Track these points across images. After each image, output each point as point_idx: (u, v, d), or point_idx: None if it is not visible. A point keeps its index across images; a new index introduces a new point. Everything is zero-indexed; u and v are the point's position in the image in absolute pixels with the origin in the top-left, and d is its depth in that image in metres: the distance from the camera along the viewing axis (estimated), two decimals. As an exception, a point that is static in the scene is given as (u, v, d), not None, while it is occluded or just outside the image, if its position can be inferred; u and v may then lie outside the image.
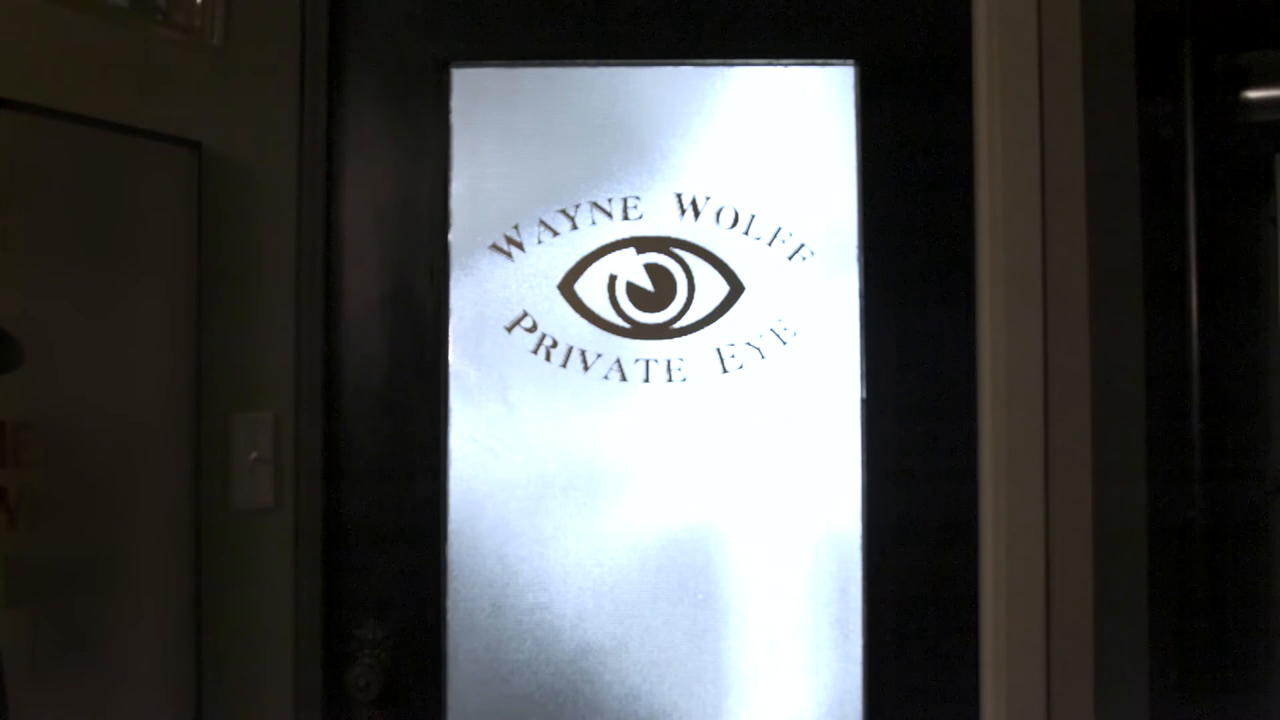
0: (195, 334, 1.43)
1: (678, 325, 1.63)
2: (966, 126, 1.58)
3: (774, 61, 1.64)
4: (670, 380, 1.62)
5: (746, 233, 1.63)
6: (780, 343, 1.62)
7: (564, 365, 1.62)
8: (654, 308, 1.63)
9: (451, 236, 1.63)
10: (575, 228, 1.63)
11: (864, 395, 1.60)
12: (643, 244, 1.63)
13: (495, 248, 1.63)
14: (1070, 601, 1.50)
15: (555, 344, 1.62)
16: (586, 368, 1.62)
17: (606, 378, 1.62)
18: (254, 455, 1.51)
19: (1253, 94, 1.77)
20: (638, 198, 1.63)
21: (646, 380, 1.62)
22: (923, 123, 1.61)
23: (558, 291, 1.63)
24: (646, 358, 1.62)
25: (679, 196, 1.63)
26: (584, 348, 1.63)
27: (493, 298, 1.63)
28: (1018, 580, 1.51)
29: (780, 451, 1.61)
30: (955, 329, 1.57)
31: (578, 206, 1.63)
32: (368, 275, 1.62)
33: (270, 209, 1.53)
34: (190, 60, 1.46)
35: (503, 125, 1.63)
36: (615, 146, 1.64)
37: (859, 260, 1.62)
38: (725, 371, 1.62)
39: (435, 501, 1.60)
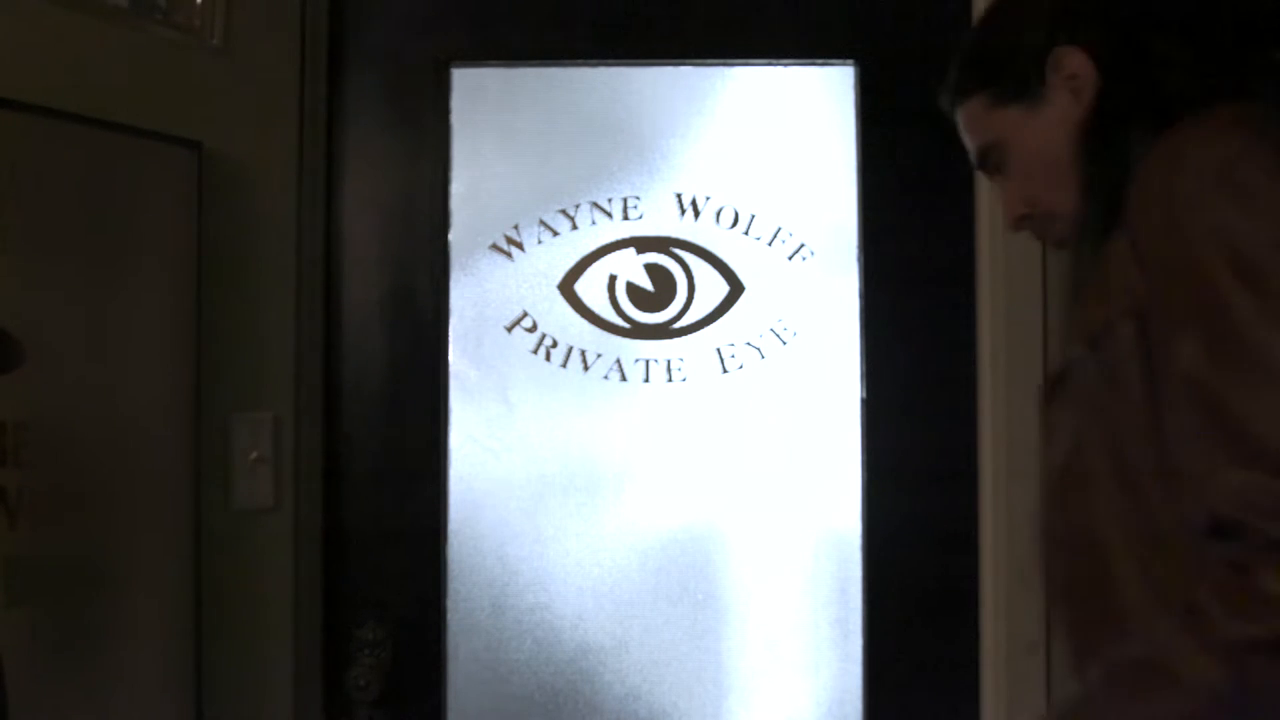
0: (195, 334, 1.43)
1: (678, 325, 1.63)
2: (966, 126, 1.57)
3: (774, 61, 1.64)
4: (670, 380, 1.62)
5: (746, 233, 1.63)
6: (780, 343, 1.62)
7: (564, 365, 1.62)
8: (654, 308, 1.63)
9: (451, 236, 1.63)
10: (575, 228, 1.63)
11: (864, 395, 1.60)
12: (643, 244, 1.63)
13: (495, 248, 1.63)
14: (1070, 601, 1.50)
15: (555, 344, 1.62)
16: (586, 368, 1.62)
17: (606, 378, 1.62)
18: (254, 455, 1.51)
19: (1253, 94, 1.77)
20: (638, 198, 1.63)
21: (646, 380, 1.62)
22: (923, 123, 1.61)
23: (558, 291, 1.63)
24: (646, 358, 1.62)
25: (679, 196, 1.63)
26: (584, 348, 1.63)
27: (493, 298, 1.63)
28: (1018, 580, 1.51)
29: (780, 452, 1.61)
30: (955, 329, 1.57)
31: (578, 206, 1.63)
32: (368, 275, 1.62)
33: (270, 209, 1.53)
34: (190, 60, 1.46)
35: (503, 125, 1.63)
36: (615, 146, 1.64)
37: (859, 260, 1.62)
38: (725, 371, 1.62)
39: (435, 501, 1.60)
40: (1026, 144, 0.93)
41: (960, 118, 1.00)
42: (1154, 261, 0.77)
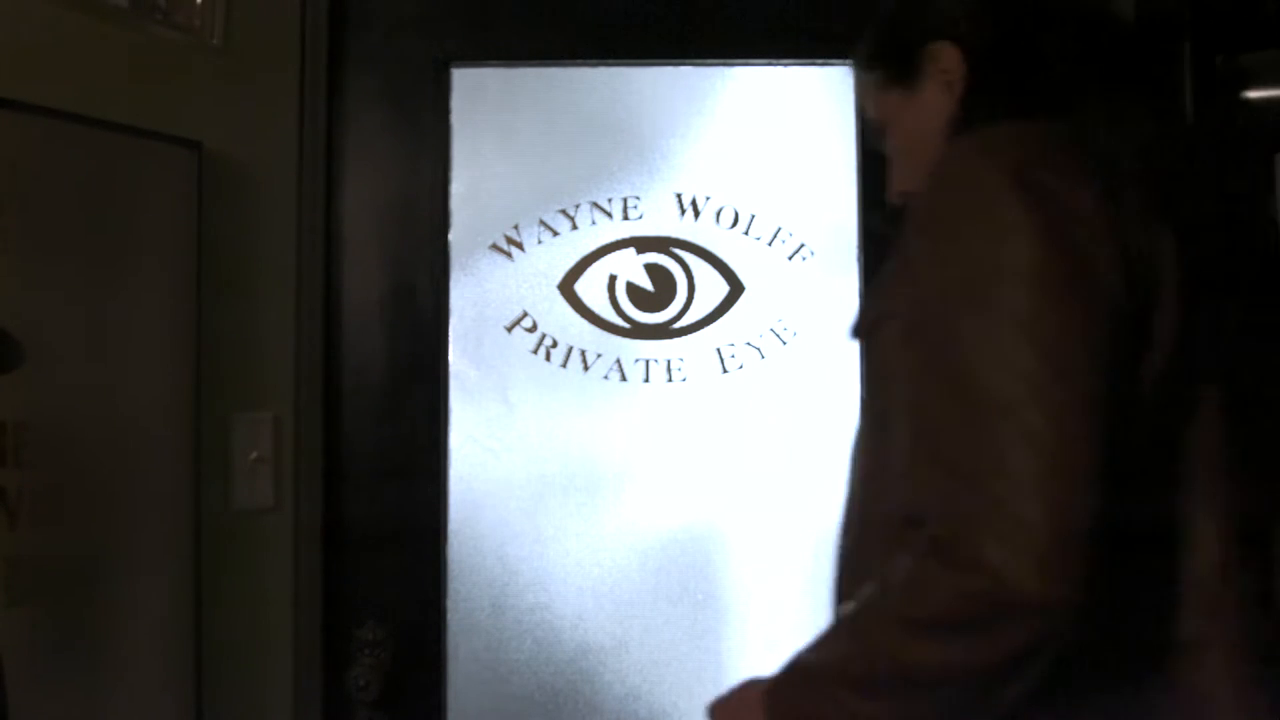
0: (195, 334, 1.43)
1: (678, 325, 1.63)
2: (966, 126, 1.57)
3: (774, 61, 1.64)
4: (670, 380, 1.62)
5: (746, 233, 1.63)
6: (780, 343, 1.62)
7: (564, 365, 1.62)
8: (654, 308, 1.63)
9: (451, 236, 1.63)
10: (575, 228, 1.63)
11: (864, 395, 1.60)
12: (643, 244, 1.63)
13: (495, 248, 1.63)
14: (1070, 601, 1.50)
15: (555, 344, 1.62)
16: (586, 368, 1.62)
17: (606, 378, 1.62)
18: (254, 455, 1.51)
19: (1253, 94, 1.77)
20: (638, 198, 1.63)
21: (646, 380, 1.62)
22: (923, 123, 1.61)
23: (558, 291, 1.63)
24: (646, 358, 1.62)
25: (679, 196, 1.63)
26: (584, 348, 1.63)
27: (493, 298, 1.63)
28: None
29: (780, 451, 1.61)
30: (955, 329, 1.57)
31: (578, 206, 1.63)
32: (368, 275, 1.62)
33: (270, 209, 1.53)
34: (190, 60, 1.46)
35: (503, 125, 1.63)
36: (615, 146, 1.63)
37: (859, 260, 1.62)
38: (725, 371, 1.62)
39: (435, 501, 1.60)
40: (904, 126, 0.98)
41: (860, 89, 1.04)
42: (914, 271, 0.82)
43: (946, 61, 0.92)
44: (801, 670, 0.85)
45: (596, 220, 1.63)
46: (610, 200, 1.63)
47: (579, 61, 1.64)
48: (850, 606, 0.81)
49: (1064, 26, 0.90)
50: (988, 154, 0.79)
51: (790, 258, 1.63)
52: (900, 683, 0.75)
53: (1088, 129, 0.83)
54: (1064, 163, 0.79)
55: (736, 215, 1.63)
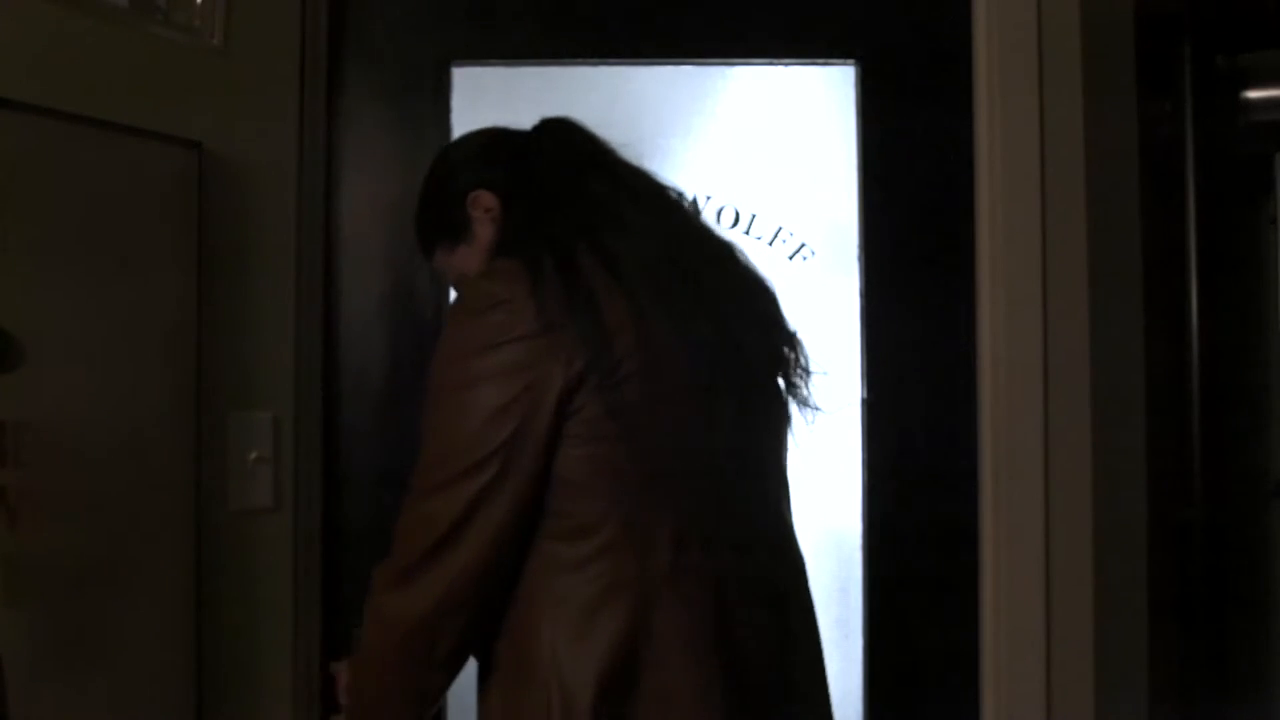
0: (195, 334, 1.43)
1: (678, 325, 1.62)
2: (966, 126, 1.58)
3: (774, 61, 1.64)
4: (670, 380, 1.62)
5: (747, 232, 1.63)
6: (780, 343, 1.62)
7: (564, 365, 1.62)
8: (654, 308, 1.62)
9: (451, 236, 1.62)
10: (575, 228, 1.63)
11: (864, 395, 1.60)
12: (643, 244, 1.63)
13: (495, 248, 1.63)
14: (1070, 601, 1.50)
15: (555, 344, 1.62)
16: (586, 368, 1.62)
17: (606, 378, 1.62)
18: (254, 455, 1.51)
19: (1253, 94, 1.77)
20: (638, 198, 1.63)
21: (646, 380, 1.62)
22: (923, 123, 1.61)
23: (558, 291, 1.63)
24: (646, 358, 1.62)
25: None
26: (584, 348, 1.62)
27: (493, 298, 1.63)
28: (1018, 580, 1.51)
29: (780, 451, 1.61)
30: (955, 329, 1.57)
31: (578, 206, 1.63)
32: (368, 275, 1.62)
33: (270, 209, 1.53)
34: (190, 60, 1.46)
35: (503, 125, 1.63)
36: (615, 146, 1.63)
37: (859, 260, 1.62)
38: (725, 371, 1.62)
39: (435, 501, 1.59)
40: (468, 263, 1.18)
41: (434, 262, 1.23)
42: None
43: (486, 202, 1.15)
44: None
45: (596, 220, 1.63)
46: (610, 200, 1.63)
47: (579, 61, 1.64)
48: None
49: (559, 166, 1.14)
50: (502, 310, 1.02)
51: (790, 258, 1.63)
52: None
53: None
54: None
55: (737, 215, 1.63)
